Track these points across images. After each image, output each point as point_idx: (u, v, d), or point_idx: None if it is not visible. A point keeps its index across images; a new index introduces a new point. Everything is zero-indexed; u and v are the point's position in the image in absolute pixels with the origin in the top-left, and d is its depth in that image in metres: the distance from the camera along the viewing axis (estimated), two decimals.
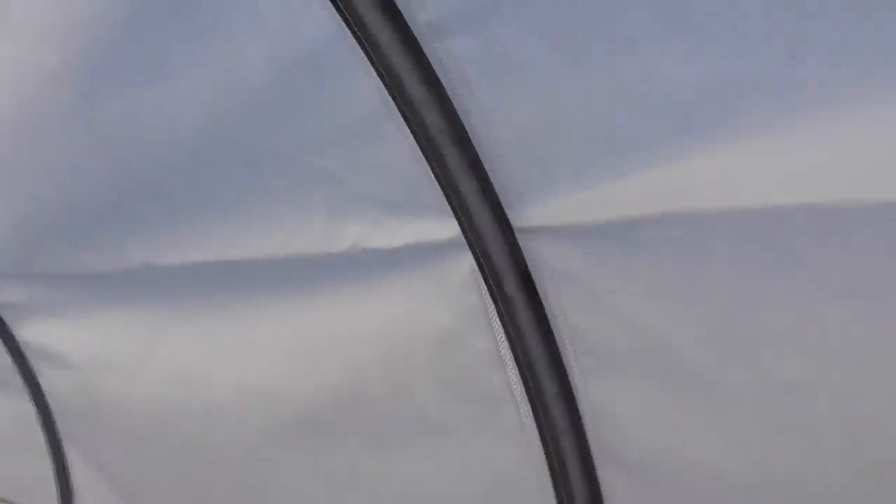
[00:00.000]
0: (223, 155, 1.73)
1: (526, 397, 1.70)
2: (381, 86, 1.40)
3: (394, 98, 1.35)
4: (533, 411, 1.70)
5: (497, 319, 1.63)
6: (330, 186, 1.67)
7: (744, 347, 1.29)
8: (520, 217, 1.47)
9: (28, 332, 3.01)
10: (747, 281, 1.23)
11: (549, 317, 1.55)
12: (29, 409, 3.34)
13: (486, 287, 1.58)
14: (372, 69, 1.35)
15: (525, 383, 1.66)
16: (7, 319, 3.04)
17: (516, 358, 1.64)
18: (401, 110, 1.36)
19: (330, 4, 1.28)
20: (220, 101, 1.57)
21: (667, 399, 1.45)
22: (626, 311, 1.42)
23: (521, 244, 1.49)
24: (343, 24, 1.29)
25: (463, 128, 1.36)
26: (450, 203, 1.48)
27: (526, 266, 1.51)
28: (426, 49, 1.27)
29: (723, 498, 1.51)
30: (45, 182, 2.07)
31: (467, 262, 1.61)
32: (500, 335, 1.65)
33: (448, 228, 1.59)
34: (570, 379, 1.61)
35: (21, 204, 2.19)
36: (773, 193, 1.12)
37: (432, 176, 1.50)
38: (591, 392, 1.60)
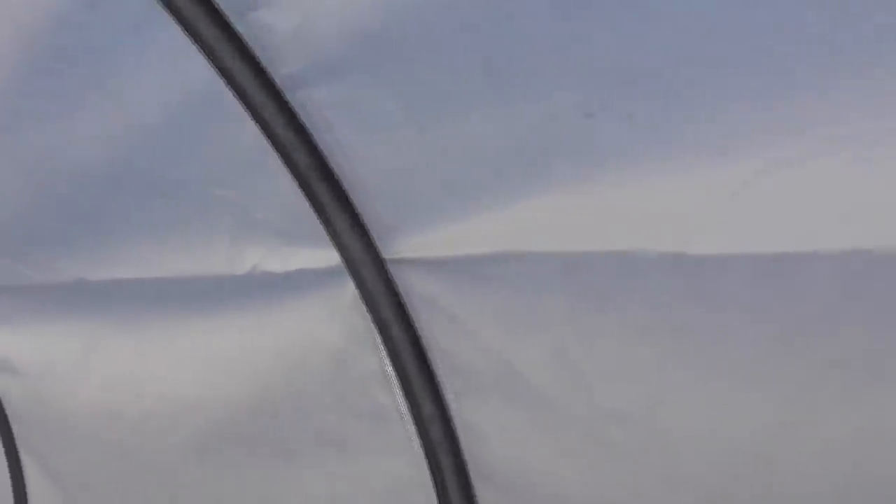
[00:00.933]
0: (133, 183, 1.90)
1: (410, 415, 1.84)
2: None
3: (267, 139, 1.51)
4: (416, 429, 1.84)
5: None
6: (230, 214, 1.83)
7: (575, 375, 1.43)
8: (390, 249, 1.62)
9: None
10: (572, 316, 1.38)
11: (421, 340, 1.70)
12: None
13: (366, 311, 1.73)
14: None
15: (407, 402, 1.81)
16: None
17: (398, 378, 1.79)
18: (274, 149, 1.52)
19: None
20: (121, 137, 1.74)
21: (522, 420, 1.59)
22: (482, 337, 1.57)
23: (391, 273, 1.64)
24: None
25: (329, 167, 1.52)
26: (327, 234, 1.63)
27: (398, 292, 1.66)
28: (289, 97, 1.43)
29: None
30: None
31: (352, 287, 1.76)
32: (385, 356, 1.80)
33: (334, 256, 1.74)
34: (445, 399, 1.76)
35: None
36: (580, 240, 1.26)
37: None
38: (464, 411, 1.74)
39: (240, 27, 1.35)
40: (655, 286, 1.24)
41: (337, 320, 1.84)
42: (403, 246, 1.60)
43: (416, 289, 1.64)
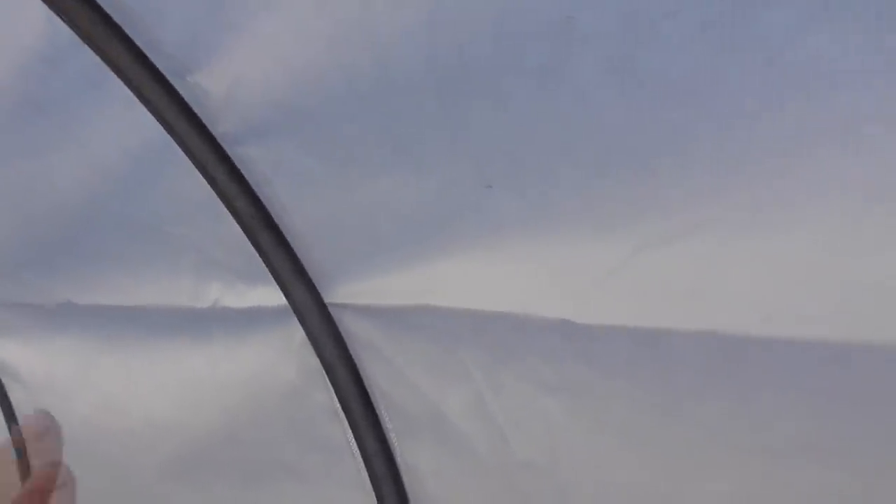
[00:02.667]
0: (105, 219, 2.06)
1: (359, 451, 1.95)
2: None
3: (213, 189, 1.64)
4: (364, 464, 1.95)
5: None
6: (190, 251, 1.98)
7: (492, 424, 1.52)
8: (331, 293, 1.73)
9: None
10: (485, 369, 1.47)
11: (364, 380, 1.81)
12: None
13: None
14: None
15: (354, 437, 1.92)
16: None
17: (345, 414, 1.90)
18: (220, 199, 1.65)
19: None
20: (89, 178, 1.90)
21: (451, 464, 1.69)
22: (415, 382, 1.67)
23: (334, 316, 1.76)
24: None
25: (270, 216, 1.64)
26: (273, 278, 1.76)
27: (340, 335, 1.78)
28: (228, 151, 1.56)
29: None
30: None
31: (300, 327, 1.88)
32: (333, 394, 1.91)
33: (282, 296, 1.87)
34: (388, 437, 1.86)
35: None
36: (483, 300, 1.36)
37: None
38: (405, 451, 1.85)
39: (180, 89, 1.49)
40: (551, 347, 1.32)
41: (292, 357, 1.96)
42: (342, 292, 1.71)
43: (355, 332, 1.76)
